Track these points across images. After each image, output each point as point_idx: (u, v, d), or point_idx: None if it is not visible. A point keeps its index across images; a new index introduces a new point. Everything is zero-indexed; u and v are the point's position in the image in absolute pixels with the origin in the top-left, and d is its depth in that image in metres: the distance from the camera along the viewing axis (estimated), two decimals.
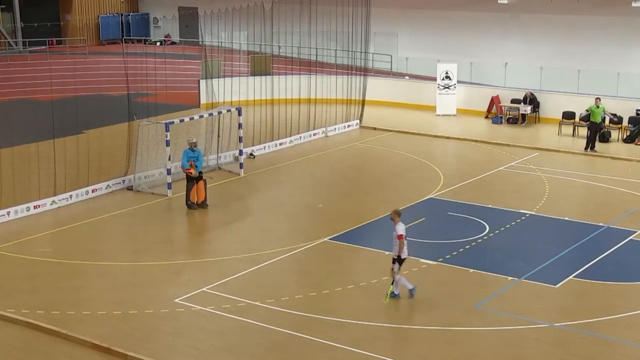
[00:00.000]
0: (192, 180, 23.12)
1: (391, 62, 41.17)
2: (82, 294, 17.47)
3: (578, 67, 35.85)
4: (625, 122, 31.64)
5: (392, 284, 16.96)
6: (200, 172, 23.24)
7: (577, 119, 32.41)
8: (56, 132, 25.47)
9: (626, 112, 31.75)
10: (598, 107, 29.44)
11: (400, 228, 16.85)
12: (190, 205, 23.21)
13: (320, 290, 17.49)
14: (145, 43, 48.19)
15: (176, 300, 17.03)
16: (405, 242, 16.87)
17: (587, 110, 29.85)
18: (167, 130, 23.94)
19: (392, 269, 16.90)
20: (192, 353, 14.95)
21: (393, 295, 16.99)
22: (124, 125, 26.66)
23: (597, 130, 29.65)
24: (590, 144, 29.29)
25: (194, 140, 23.67)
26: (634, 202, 23.54)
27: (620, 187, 24.76)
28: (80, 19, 51.27)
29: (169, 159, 24.25)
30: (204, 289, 17.56)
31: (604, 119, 30.28)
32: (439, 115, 35.56)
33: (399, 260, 16.86)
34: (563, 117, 32.72)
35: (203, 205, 23.29)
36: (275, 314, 16.44)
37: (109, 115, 33.14)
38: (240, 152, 26.68)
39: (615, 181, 25.38)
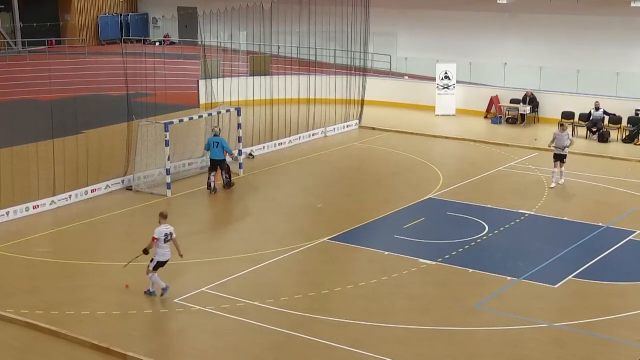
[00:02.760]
0: (216, 167, 24.39)
1: (390, 62, 41.17)
2: (82, 294, 17.46)
3: (577, 67, 35.86)
4: (624, 123, 31.66)
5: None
6: (224, 159, 24.54)
7: (576, 119, 32.43)
8: (56, 132, 25.47)
9: (625, 113, 31.77)
10: None
11: (157, 231, 17.00)
12: (212, 188, 24.36)
13: (319, 291, 17.50)
14: (144, 43, 48.18)
15: (175, 300, 17.02)
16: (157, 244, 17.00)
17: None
18: (166, 131, 23.93)
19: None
20: (191, 353, 14.95)
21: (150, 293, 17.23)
22: (123, 125, 26.66)
23: None
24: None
25: (219, 127, 25.14)
26: (634, 202, 23.54)
27: (619, 187, 24.76)
28: (79, 19, 51.27)
29: (169, 159, 24.25)
30: (203, 289, 17.56)
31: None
32: (438, 115, 35.57)
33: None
34: (562, 117, 32.72)
35: (228, 185, 24.78)
36: (275, 314, 16.44)
37: (108, 116, 33.14)
38: (240, 152, 26.67)
39: (614, 181, 25.39)
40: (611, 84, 34.58)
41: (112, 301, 17.03)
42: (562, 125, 25.58)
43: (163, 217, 17.37)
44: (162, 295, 17.19)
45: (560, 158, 24.76)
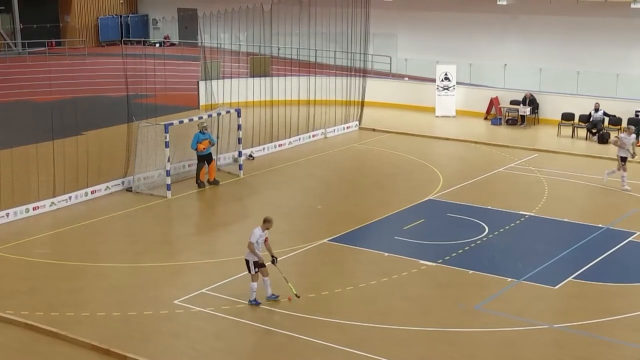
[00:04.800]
0: (203, 161, 24.88)
1: (390, 63, 41.16)
2: (81, 295, 17.46)
3: (577, 68, 35.85)
4: (624, 124, 31.64)
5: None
6: (210, 154, 25.10)
7: (576, 120, 32.45)
8: (55, 133, 25.45)
9: (625, 114, 31.78)
10: None
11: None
12: (200, 184, 24.86)
13: (319, 292, 17.49)
14: (144, 44, 48.15)
15: (175, 301, 17.02)
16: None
17: None
18: (166, 132, 23.94)
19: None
20: (191, 354, 14.95)
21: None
22: (123, 126, 26.66)
23: None
24: None
25: (205, 124, 25.19)
26: (634, 204, 23.54)
27: (619, 188, 24.74)
28: (79, 20, 51.26)
29: (168, 161, 24.25)
30: (203, 291, 17.56)
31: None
32: (438, 116, 35.58)
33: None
34: (562, 119, 32.75)
35: (215, 183, 25.23)
36: (274, 315, 16.44)
37: (108, 117, 33.14)
38: (240, 154, 26.68)
39: (614, 182, 25.36)
40: (611, 85, 34.57)
41: (111, 302, 17.03)
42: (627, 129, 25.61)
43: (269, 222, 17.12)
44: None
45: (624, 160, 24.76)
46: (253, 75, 37.52)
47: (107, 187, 24.51)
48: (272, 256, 17.08)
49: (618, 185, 24.76)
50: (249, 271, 16.88)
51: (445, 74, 35.78)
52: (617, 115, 31.85)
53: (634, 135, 25.16)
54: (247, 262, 16.87)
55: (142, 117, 26.53)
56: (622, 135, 25.32)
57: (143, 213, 23.00)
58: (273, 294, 17.01)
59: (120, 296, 17.37)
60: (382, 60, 40.96)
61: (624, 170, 24.67)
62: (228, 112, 27.11)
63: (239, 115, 26.44)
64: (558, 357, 14.95)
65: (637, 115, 31.63)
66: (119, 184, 24.77)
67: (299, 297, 17.01)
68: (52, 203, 23.04)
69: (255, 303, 16.85)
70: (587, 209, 23.45)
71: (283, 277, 17.10)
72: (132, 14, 53.69)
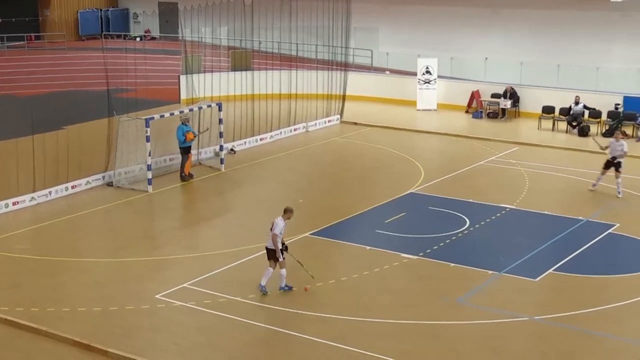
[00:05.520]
0: (187, 154, 24.92)
1: (372, 57, 41.18)
2: (62, 290, 17.38)
3: (557, 62, 36.01)
4: (604, 117, 31.83)
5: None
6: (190, 147, 25.18)
7: (557, 113, 32.60)
8: (35, 128, 25.29)
9: (605, 107, 31.94)
10: None
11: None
12: (184, 177, 24.98)
13: (301, 286, 17.48)
14: (124, 38, 47.89)
15: (157, 296, 16.97)
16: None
17: None
18: (147, 126, 23.86)
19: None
20: (173, 349, 14.91)
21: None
22: (103, 121, 26.55)
23: None
24: None
25: (187, 116, 25.33)
26: (613, 196, 23.68)
27: (599, 181, 24.85)
28: (59, 14, 50.93)
29: (149, 155, 24.16)
30: (184, 285, 17.51)
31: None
32: (419, 110, 35.63)
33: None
34: (543, 112, 32.89)
35: (190, 177, 25.24)
36: (257, 310, 16.43)
37: (88, 111, 32.95)
38: (221, 148, 26.63)
39: (594, 175, 25.47)
40: (591, 79, 34.76)
41: (92, 297, 16.95)
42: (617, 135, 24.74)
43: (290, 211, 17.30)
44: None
45: (609, 165, 24.03)
46: (234, 69, 37.42)
47: (88, 181, 24.39)
48: (283, 243, 17.18)
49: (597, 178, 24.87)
50: (270, 259, 17.00)
51: (427, 68, 35.84)
52: (597, 109, 32.00)
53: (622, 142, 24.30)
54: (272, 251, 16.98)
55: (123, 111, 26.37)
56: (611, 140, 24.87)
57: (124, 207, 22.91)
58: (287, 285, 17.18)
59: (101, 291, 17.30)
60: (364, 54, 40.98)
61: (604, 173, 24.07)
62: (209, 106, 27.04)
63: (220, 110, 26.38)
64: (539, 349, 15.04)
65: (616, 108, 31.81)
66: (99, 179, 24.66)
67: (313, 277, 17.29)
68: (32, 198, 22.90)
69: (287, 288, 17.09)
70: (568, 201, 23.57)
71: (297, 261, 17.31)
72: (113, 7, 53.43)
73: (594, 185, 24.22)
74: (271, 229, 17.01)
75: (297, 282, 17.44)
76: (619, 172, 23.76)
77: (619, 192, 23.58)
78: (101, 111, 27.83)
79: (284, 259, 16.96)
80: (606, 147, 24.33)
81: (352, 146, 29.91)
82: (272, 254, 17.00)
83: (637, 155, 28.41)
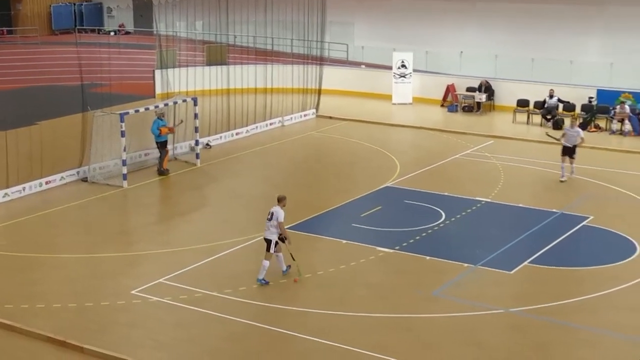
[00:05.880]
0: (164, 149, 24.92)
1: (347, 51, 41.19)
2: (37, 287, 17.25)
3: (532, 55, 36.19)
4: (578, 110, 32.05)
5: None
6: (166, 141, 25.18)
7: (531, 106, 32.77)
8: (8, 123, 25.10)
9: (579, 100, 32.17)
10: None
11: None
12: (162, 172, 24.98)
13: (277, 280, 17.47)
14: (99, 33, 47.65)
15: (133, 291, 16.89)
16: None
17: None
18: (122, 121, 23.73)
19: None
20: (149, 344, 14.85)
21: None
22: (77, 116, 26.33)
23: None
24: None
25: (163, 111, 25.34)
26: (587, 188, 23.86)
27: (573, 174, 25.02)
28: (31, 8, 50.47)
29: (124, 150, 24.03)
30: (160, 280, 17.45)
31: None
32: (395, 104, 35.70)
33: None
34: (517, 105, 33.05)
35: (167, 172, 25.23)
36: (233, 304, 16.40)
37: (62, 106, 32.70)
38: (197, 142, 26.54)
39: (567, 168, 25.67)
40: (565, 72, 34.97)
41: (68, 293, 16.84)
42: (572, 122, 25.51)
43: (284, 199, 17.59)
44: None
45: (568, 152, 24.48)
46: (209, 64, 37.30)
47: (62, 177, 24.22)
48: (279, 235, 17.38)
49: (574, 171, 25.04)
50: (268, 250, 17.21)
51: (402, 62, 35.91)
52: (571, 102, 32.21)
53: (577, 129, 24.96)
54: (270, 241, 17.19)
55: (97, 106, 26.23)
56: (566, 127, 25.26)
57: (99, 203, 22.78)
58: (288, 266, 17.57)
59: (76, 287, 17.19)
60: (339, 48, 40.99)
61: (564, 161, 24.47)
62: (184, 100, 26.96)
63: (195, 104, 26.28)
64: (515, 341, 15.13)
65: (590, 102, 32.03)
66: (74, 174, 24.49)
67: (301, 275, 17.52)
68: (6, 194, 22.70)
69: (264, 282, 17.18)
70: (542, 194, 23.72)
71: (290, 254, 17.46)
72: (86, 1, 53.05)
73: (562, 176, 24.42)
74: (269, 219, 17.21)
75: (286, 275, 17.62)
76: (573, 158, 24.36)
77: (572, 173, 24.39)
78: (75, 106, 27.58)
79: (275, 252, 17.20)
80: (562, 136, 24.71)
81: (328, 140, 29.92)
82: (268, 244, 17.24)
83: (610, 148, 28.69)
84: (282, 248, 17.40)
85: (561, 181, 24.34)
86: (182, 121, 26.34)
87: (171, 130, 25.71)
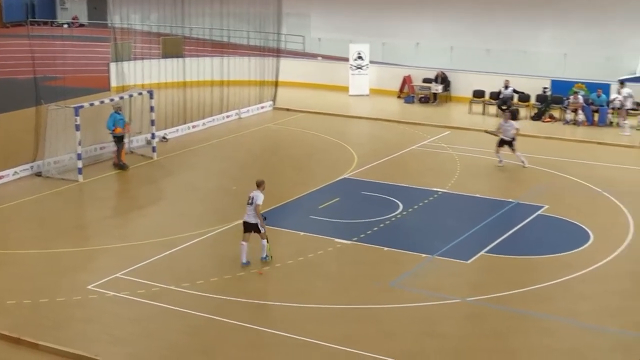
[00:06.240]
0: (121, 142, 24.61)
1: (304, 43, 41.16)
2: None
3: (487, 46, 36.47)
4: (532, 100, 32.37)
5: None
6: (123, 135, 24.81)
7: (487, 97, 33.03)
8: None
9: (533, 90, 32.47)
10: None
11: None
12: (121, 165, 24.64)
13: (235, 273, 17.42)
14: (52, 25, 47.02)
15: (89, 287, 16.71)
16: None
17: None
18: (76, 115, 23.47)
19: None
20: (106, 339, 14.72)
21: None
22: (31, 110, 25.94)
23: None
24: None
25: (120, 104, 24.98)
26: (542, 178, 24.13)
27: (529, 164, 25.29)
28: None
29: (79, 144, 23.76)
30: (117, 275, 17.29)
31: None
32: (351, 95, 35.74)
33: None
34: (473, 96, 33.29)
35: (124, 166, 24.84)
36: (191, 298, 16.31)
37: (15, 100, 32.24)
38: (153, 136, 26.33)
39: (524, 158, 25.94)
40: (519, 63, 35.30)
41: (22, 290, 16.60)
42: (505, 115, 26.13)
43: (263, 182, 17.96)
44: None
45: (506, 144, 25.03)
46: (165, 56, 37.00)
47: (16, 172, 23.87)
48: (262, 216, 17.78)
49: (527, 160, 25.28)
50: (250, 232, 17.59)
51: (359, 53, 35.94)
52: (525, 92, 32.51)
53: (511, 122, 25.29)
54: (251, 224, 17.57)
55: (51, 100, 25.90)
56: (500, 122, 25.62)
57: (54, 198, 22.51)
58: (268, 255, 17.91)
59: (31, 283, 16.96)
60: (296, 40, 40.95)
61: (500, 152, 25.00)
62: (140, 93, 26.74)
63: (151, 97, 26.07)
64: (472, 330, 15.25)
65: (544, 92, 32.36)
66: (27, 169, 24.16)
67: (272, 258, 17.94)
68: None
69: (267, 258, 17.83)
70: (498, 184, 23.94)
71: (266, 237, 17.74)
72: None
73: (500, 162, 24.97)
74: (250, 203, 17.47)
75: (257, 266, 17.70)
76: (513, 148, 24.88)
77: (523, 162, 24.89)
78: (28, 100, 27.23)
79: (264, 230, 17.62)
80: (498, 129, 25.18)
81: (285, 132, 29.87)
82: (250, 228, 17.54)
83: (564, 137, 29.04)
84: (250, 238, 17.55)
85: (498, 166, 24.88)
86: (128, 123, 25.67)
87: (127, 129, 25.34)
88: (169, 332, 15.04)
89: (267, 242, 17.86)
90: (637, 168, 25.68)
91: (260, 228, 17.55)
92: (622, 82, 31.13)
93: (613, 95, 31.03)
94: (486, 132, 26.74)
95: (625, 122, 29.58)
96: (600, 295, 16.57)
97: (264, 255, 17.82)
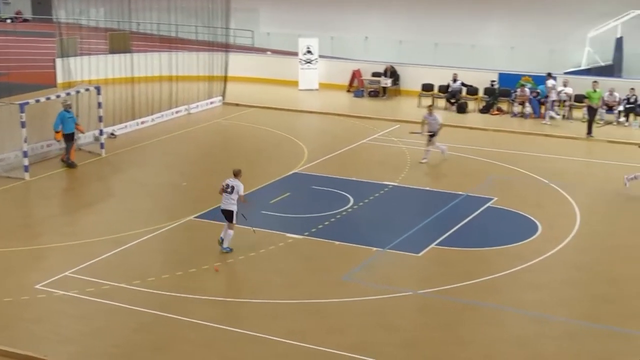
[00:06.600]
0: (71, 140, 24.39)
1: (253, 37, 41.01)
2: None
3: (435, 40, 36.71)
4: (480, 93, 32.69)
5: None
6: (73, 133, 24.42)
7: (436, 90, 33.26)
8: None
9: (481, 84, 32.80)
10: (595, 91, 28.79)
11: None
12: (70, 163, 24.26)
13: (186, 269, 17.31)
14: None
15: (37, 286, 16.47)
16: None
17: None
18: (22, 111, 23.09)
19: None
20: (54, 339, 14.52)
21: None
22: None
23: (595, 114, 28.81)
24: (589, 128, 28.47)
25: (69, 102, 24.61)
26: (491, 170, 24.39)
27: (477, 157, 25.56)
28: None
29: (25, 141, 23.39)
30: (66, 273, 17.06)
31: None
32: (301, 90, 35.73)
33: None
34: (422, 90, 33.50)
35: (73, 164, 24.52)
36: (142, 295, 16.17)
37: None
38: (101, 132, 26.04)
39: (472, 151, 26.21)
40: (467, 56, 35.61)
41: None
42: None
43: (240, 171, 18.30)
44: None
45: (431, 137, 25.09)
46: (112, 52, 36.61)
47: None
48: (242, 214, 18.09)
49: (476, 153, 25.53)
50: (231, 221, 17.89)
51: (308, 48, 35.93)
52: (474, 85, 32.82)
53: (435, 116, 25.33)
54: (230, 212, 17.84)
55: None
56: (425, 115, 25.68)
57: (0, 196, 22.13)
58: (229, 247, 18.14)
59: None
60: (244, 34, 40.78)
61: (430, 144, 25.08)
62: (87, 89, 26.44)
63: (98, 93, 25.77)
64: (424, 322, 15.36)
65: (492, 85, 32.70)
66: None
67: (255, 231, 18.44)
68: None
69: (229, 250, 18.02)
70: (448, 177, 24.13)
71: (253, 230, 18.34)
72: None
73: (424, 158, 24.96)
74: (230, 192, 17.78)
75: (209, 262, 17.60)
76: (432, 141, 24.93)
77: (443, 151, 25.18)
78: None
79: (231, 226, 17.92)
80: (423, 124, 25.17)
81: (235, 127, 29.76)
82: (230, 216, 17.84)
83: (512, 130, 29.38)
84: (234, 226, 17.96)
85: (421, 162, 24.88)
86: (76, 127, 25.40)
87: (79, 130, 25.19)
88: (118, 330, 14.89)
89: (254, 231, 18.23)
90: (583, 159, 26.13)
91: (234, 218, 17.77)
92: (549, 74, 31.31)
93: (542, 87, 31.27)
94: (411, 133, 26.66)
95: (550, 112, 30.03)
96: (548, 285, 16.81)
97: (226, 246, 17.98)
